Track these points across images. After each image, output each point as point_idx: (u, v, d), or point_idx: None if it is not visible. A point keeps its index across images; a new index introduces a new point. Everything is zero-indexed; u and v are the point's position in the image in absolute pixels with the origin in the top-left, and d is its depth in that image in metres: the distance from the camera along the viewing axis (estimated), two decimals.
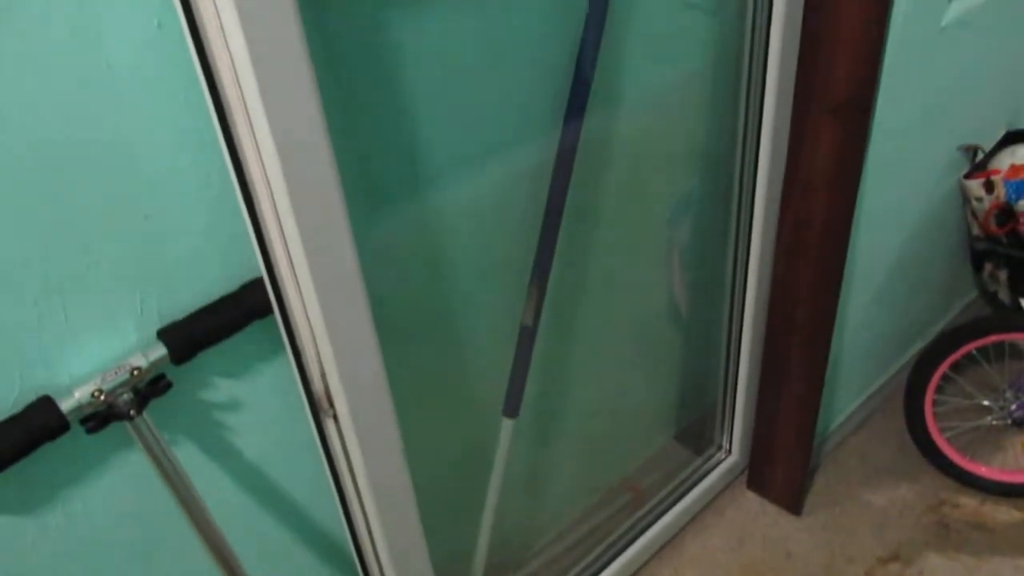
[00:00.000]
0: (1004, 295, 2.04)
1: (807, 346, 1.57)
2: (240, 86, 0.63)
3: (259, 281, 0.82)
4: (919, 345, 2.20)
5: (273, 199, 0.71)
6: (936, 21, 1.33)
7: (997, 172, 1.83)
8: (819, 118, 1.29)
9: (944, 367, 1.84)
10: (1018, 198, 1.63)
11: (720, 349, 1.74)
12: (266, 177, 0.70)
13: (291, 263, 0.76)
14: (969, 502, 1.89)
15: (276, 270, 0.78)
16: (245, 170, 0.70)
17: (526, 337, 1.17)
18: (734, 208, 1.49)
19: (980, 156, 1.87)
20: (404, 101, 0.91)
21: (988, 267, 2.07)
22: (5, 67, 0.58)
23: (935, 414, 1.92)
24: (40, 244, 0.65)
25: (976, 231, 2.01)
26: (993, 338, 1.76)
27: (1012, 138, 2.00)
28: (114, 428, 0.74)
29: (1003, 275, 2.02)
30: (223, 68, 0.64)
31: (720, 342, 1.73)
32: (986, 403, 1.98)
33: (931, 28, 1.33)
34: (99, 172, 0.66)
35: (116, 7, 0.61)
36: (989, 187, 1.83)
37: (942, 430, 1.94)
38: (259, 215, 0.73)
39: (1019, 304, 1.89)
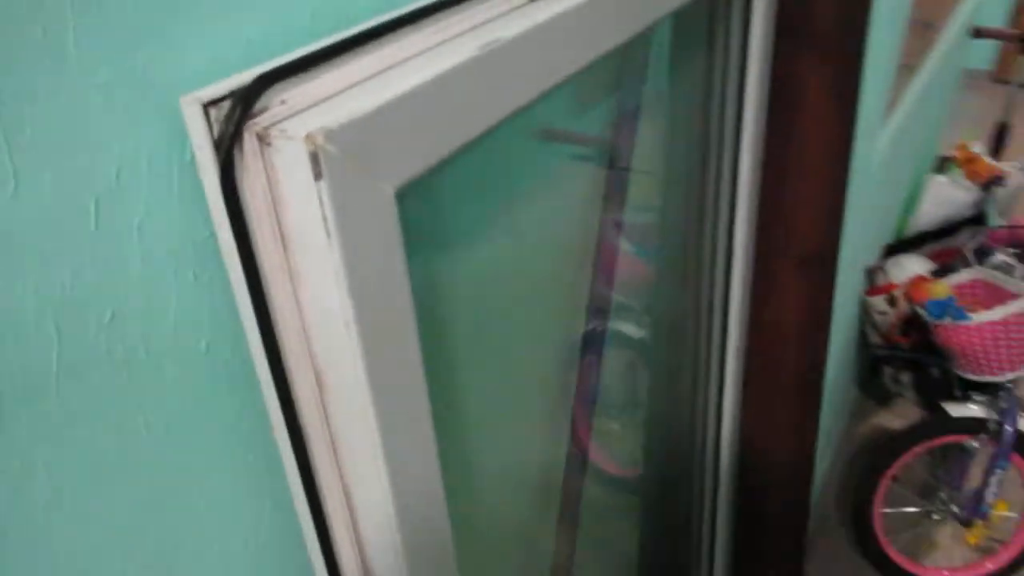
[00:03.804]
0: (910, 396, 2.11)
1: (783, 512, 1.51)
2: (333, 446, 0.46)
3: None
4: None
5: None
6: (871, 164, 1.37)
7: (895, 286, 1.92)
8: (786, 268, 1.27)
9: (890, 474, 1.85)
10: (940, 315, 1.69)
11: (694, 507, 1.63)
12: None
13: None
14: None
15: None
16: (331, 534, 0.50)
17: None
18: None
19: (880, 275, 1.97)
20: None
21: (888, 371, 2.15)
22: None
23: (884, 527, 1.91)
24: None
25: (876, 340, 2.08)
26: (938, 441, 1.79)
27: (891, 250, 2.13)
28: None
29: (906, 378, 2.10)
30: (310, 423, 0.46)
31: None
32: (927, 506, 2.01)
33: (869, 170, 1.36)
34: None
35: (166, 320, 0.42)
36: (891, 301, 1.90)
37: (893, 541, 1.94)
38: None
39: (934, 405, 1.95)
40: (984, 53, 4.59)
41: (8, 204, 0.33)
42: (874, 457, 1.87)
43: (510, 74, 0.49)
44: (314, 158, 0.37)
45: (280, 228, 0.41)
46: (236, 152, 0.39)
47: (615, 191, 1.07)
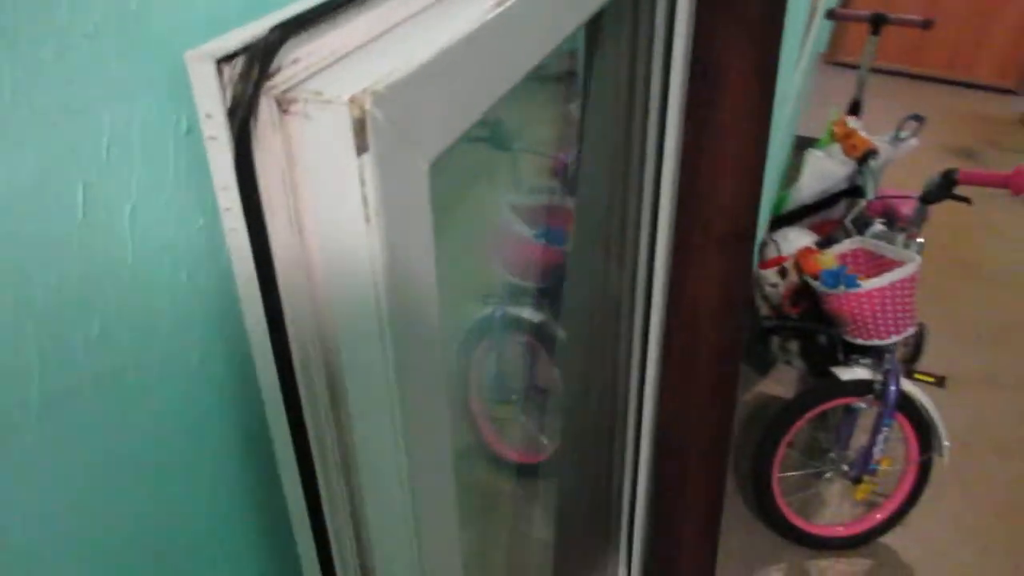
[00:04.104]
0: (797, 363, 2.21)
1: (702, 491, 1.53)
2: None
3: None
4: None
5: None
6: (776, 141, 1.40)
7: (785, 259, 1.99)
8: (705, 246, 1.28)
9: (786, 440, 1.93)
10: (835, 285, 1.77)
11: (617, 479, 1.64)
12: None
13: None
14: (831, 564, 1.98)
15: None
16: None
17: None
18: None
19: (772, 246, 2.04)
20: None
21: (776, 341, 2.24)
22: None
23: (781, 491, 2.00)
24: None
25: (766, 312, 2.17)
26: (829, 404, 1.88)
27: (775, 223, 2.21)
28: None
29: (793, 346, 2.20)
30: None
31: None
32: (819, 467, 2.11)
33: (774, 146, 1.39)
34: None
35: (158, 330, 0.35)
36: (783, 273, 1.98)
37: (789, 503, 2.03)
38: None
39: (821, 372, 2.05)
40: (819, 37, 4.86)
41: None
42: (771, 424, 1.94)
43: (527, 31, 0.44)
44: (359, 127, 0.30)
45: (297, 213, 0.34)
46: (251, 121, 0.32)
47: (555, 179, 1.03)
